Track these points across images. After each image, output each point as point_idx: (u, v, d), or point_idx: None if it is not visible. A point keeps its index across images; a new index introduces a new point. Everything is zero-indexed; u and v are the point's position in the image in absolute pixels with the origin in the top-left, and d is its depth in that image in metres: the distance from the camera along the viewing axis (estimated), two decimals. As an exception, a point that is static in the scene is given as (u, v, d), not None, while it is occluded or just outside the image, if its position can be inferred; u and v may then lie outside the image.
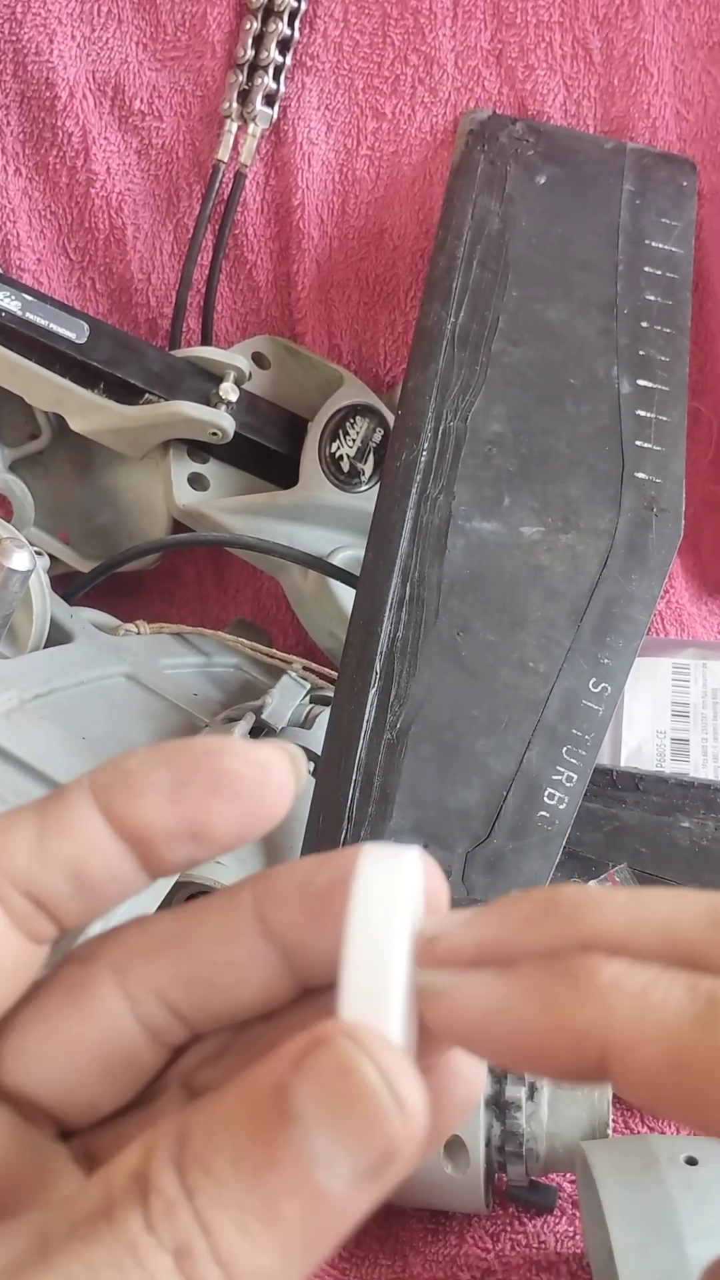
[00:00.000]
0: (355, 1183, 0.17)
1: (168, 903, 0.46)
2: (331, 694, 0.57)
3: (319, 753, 0.49)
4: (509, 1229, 0.46)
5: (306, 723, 0.56)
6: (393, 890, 0.19)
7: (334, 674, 0.59)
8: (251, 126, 0.66)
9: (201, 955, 0.21)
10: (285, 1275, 0.17)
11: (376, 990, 0.19)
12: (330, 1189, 0.17)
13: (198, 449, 0.67)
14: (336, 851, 0.21)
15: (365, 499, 0.65)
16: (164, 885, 0.46)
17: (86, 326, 0.63)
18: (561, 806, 0.47)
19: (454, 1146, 0.43)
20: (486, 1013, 0.19)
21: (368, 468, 0.67)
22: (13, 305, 0.61)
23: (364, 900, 0.19)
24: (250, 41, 0.65)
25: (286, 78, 0.66)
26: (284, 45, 0.65)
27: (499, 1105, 0.43)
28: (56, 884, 0.20)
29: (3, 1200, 0.20)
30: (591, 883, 0.53)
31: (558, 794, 0.47)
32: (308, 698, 0.58)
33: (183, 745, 0.21)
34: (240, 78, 0.66)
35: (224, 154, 0.67)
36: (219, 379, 0.64)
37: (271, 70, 0.65)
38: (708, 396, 0.71)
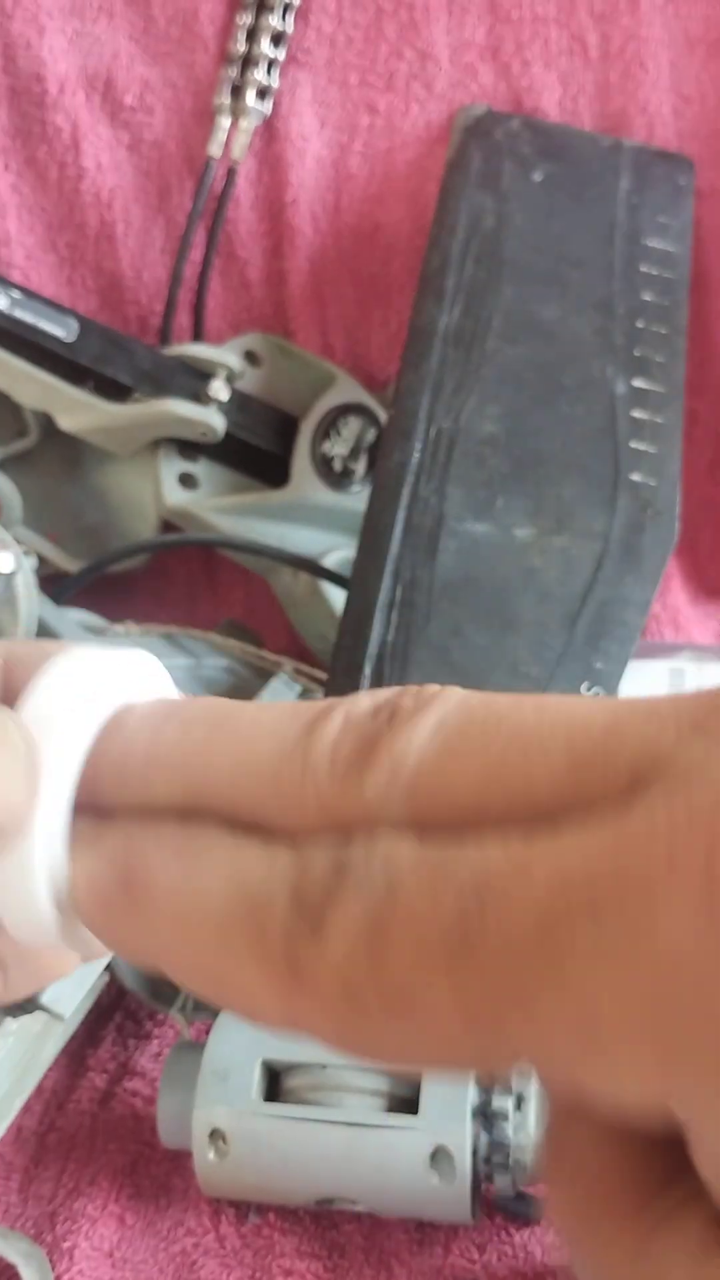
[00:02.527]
0: None
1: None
2: (321, 695, 0.56)
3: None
4: (495, 1239, 0.45)
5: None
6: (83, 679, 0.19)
7: (325, 675, 0.58)
8: (244, 121, 0.66)
9: None
10: None
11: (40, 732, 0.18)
12: None
13: (188, 448, 0.66)
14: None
15: (357, 499, 0.65)
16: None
17: (75, 324, 0.62)
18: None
19: (440, 1157, 0.42)
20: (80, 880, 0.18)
21: (360, 468, 0.66)
22: (0, 302, 0.61)
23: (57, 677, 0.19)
24: (243, 35, 0.64)
25: (279, 73, 0.66)
26: (277, 39, 0.65)
27: (486, 1115, 0.43)
28: None
29: None
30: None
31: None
32: (298, 700, 0.57)
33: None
34: (233, 72, 0.65)
35: (216, 149, 0.66)
36: (210, 377, 0.64)
37: (264, 65, 0.65)
38: (705, 397, 0.70)
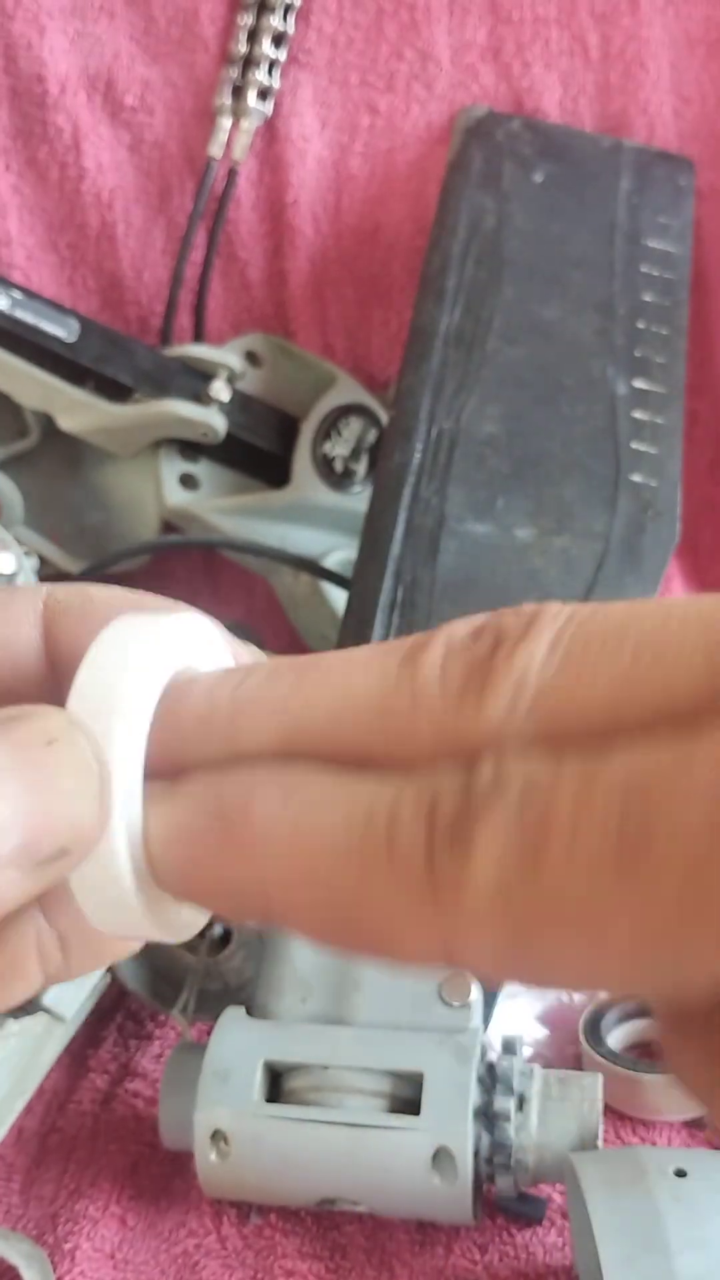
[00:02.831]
0: (20, 861, 0.16)
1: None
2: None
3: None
4: (497, 1240, 0.45)
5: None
6: (145, 642, 0.18)
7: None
8: (245, 122, 0.66)
9: None
10: None
11: (102, 708, 0.17)
12: None
13: (189, 448, 0.66)
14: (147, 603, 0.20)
15: (358, 500, 0.65)
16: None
17: (76, 324, 0.62)
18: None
19: (441, 1157, 0.42)
20: (157, 837, 0.17)
21: (360, 468, 0.66)
22: (1, 303, 0.61)
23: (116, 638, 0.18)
24: (244, 36, 0.64)
25: (280, 73, 0.66)
26: (278, 40, 0.65)
27: (488, 1116, 0.43)
28: None
29: None
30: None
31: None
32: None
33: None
34: (234, 73, 0.65)
35: (217, 150, 0.66)
36: (210, 377, 0.64)
37: (265, 65, 0.65)
38: (706, 397, 0.70)
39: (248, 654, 0.20)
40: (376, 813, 0.15)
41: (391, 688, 0.16)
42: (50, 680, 0.20)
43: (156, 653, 0.18)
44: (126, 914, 0.18)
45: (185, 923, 0.19)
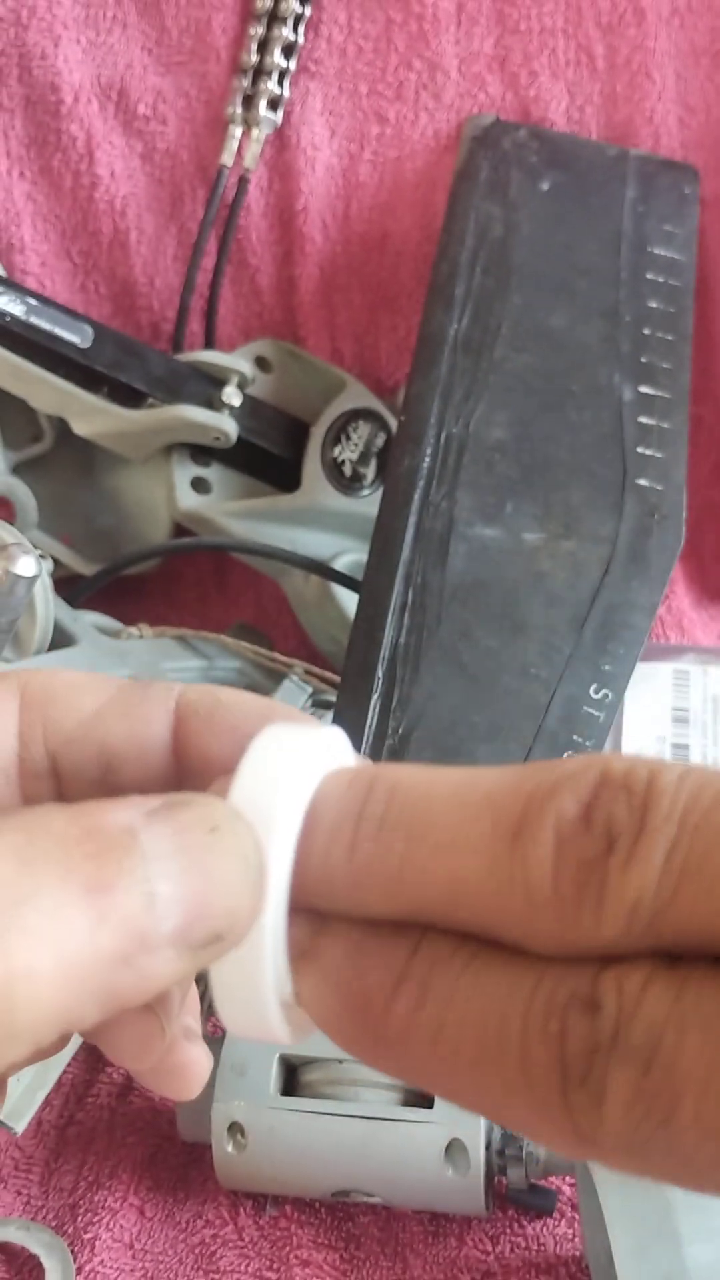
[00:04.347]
0: (178, 941, 0.16)
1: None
2: (333, 697, 0.57)
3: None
4: (508, 1231, 0.46)
5: (308, 727, 0.56)
6: (298, 751, 0.19)
7: (335, 678, 0.59)
8: (255, 131, 0.66)
9: (114, 725, 0.21)
10: (69, 1009, 0.16)
11: (264, 804, 0.18)
12: (154, 937, 0.16)
13: (200, 452, 0.67)
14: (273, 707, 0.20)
15: (368, 504, 0.66)
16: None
17: (90, 330, 0.63)
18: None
19: (454, 1149, 0.43)
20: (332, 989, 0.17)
21: (369, 472, 0.67)
22: (17, 309, 0.61)
23: (271, 743, 0.19)
24: (255, 46, 0.65)
25: (291, 83, 0.66)
26: (288, 50, 0.66)
27: (499, 1109, 0.44)
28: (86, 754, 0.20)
29: None
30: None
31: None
32: (310, 701, 0.58)
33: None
34: (245, 82, 0.66)
35: (228, 158, 0.67)
36: (222, 383, 0.65)
37: (276, 75, 0.65)
38: (710, 402, 0.71)
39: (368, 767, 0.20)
40: (509, 1034, 0.15)
41: (504, 879, 0.16)
42: (176, 780, 0.20)
43: (309, 763, 0.19)
44: (259, 1020, 0.18)
45: (311, 1029, 0.19)
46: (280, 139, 0.68)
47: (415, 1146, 0.43)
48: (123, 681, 0.21)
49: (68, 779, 0.21)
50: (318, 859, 0.18)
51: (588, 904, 0.15)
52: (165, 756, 0.21)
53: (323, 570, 0.62)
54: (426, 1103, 0.44)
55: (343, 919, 0.18)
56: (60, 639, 0.57)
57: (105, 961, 0.16)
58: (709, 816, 0.15)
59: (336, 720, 0.49)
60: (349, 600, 0.63)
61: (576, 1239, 0.45)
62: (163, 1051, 0.20)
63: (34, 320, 0.62)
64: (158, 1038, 0.20)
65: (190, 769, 0.20)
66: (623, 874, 0.15)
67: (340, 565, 0.64)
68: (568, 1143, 0.15)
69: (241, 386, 0.65)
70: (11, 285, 0.63)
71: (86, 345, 0.63)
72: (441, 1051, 0.16)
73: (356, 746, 0.48)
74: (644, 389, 0.57)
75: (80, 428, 0.63)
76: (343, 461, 0.67)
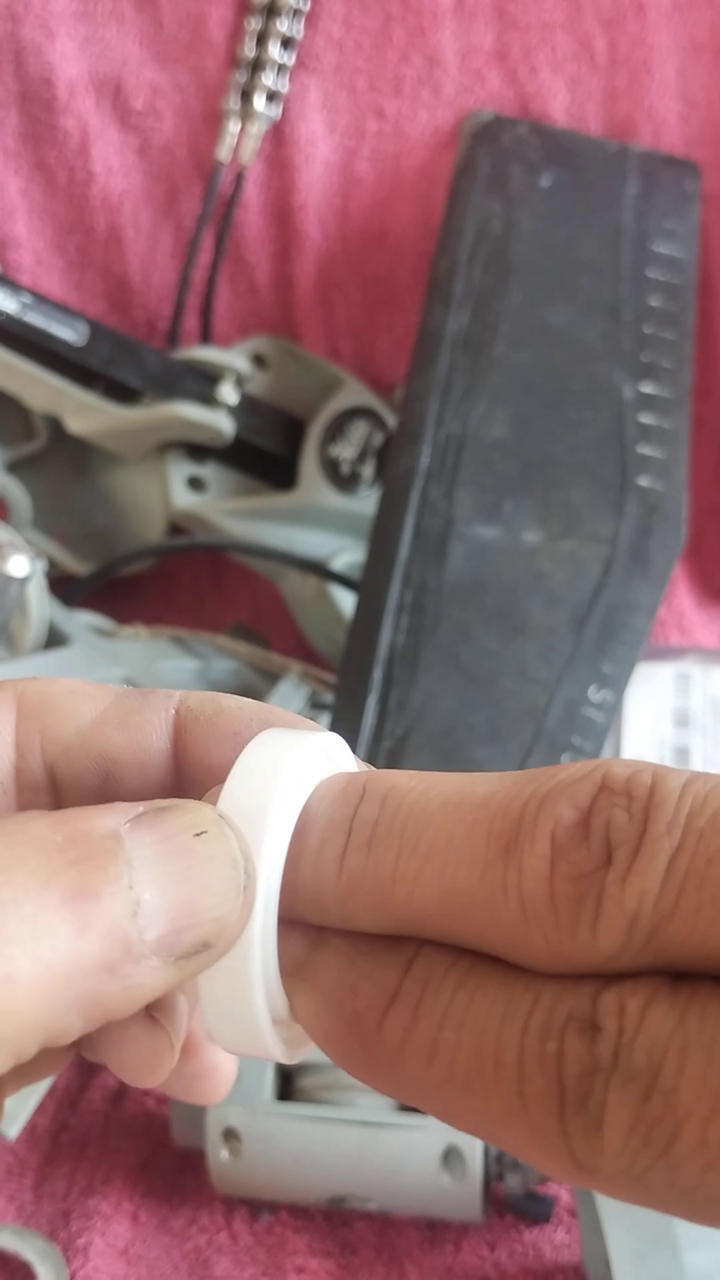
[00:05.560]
0: (163, 950, 0.16)
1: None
2: (330, 698, 0.57)
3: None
4: (506, 1238, 0.45)
5: (305, 728, 0.56)
6: (290, 756, 0.18)
7: (332, 678, 0.59)
8: (252, 126, 0.66)
9: (113, 734, 0.20)
10: (51, 1019, 0.15)
11: (253, 813, 0.17)
12: (139, 946, 0.16)
13: (196, 451, 0.66)
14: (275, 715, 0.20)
15: (365, 503, 0.65)
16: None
17: (85, 327, 0.62)
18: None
19: (451, 1155, 0.43)
20: (325, 998, 0.17)
21: (367, 471, 0.66)
22: (11, 306, 0.61)
23: (263, 747, 0.18)
24: (252, 41, 0.65)
25: (288, 77, 0.66)
26: (286, 44, 0.65)
27: (497, 1116, 0.43)
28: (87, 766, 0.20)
29: None
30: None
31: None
32: (306, 702, 0.58)
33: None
34: (242, 77, 0.65)
35: (224, 154, 0.66)
36: (218, 380, 0.64)
37: (273, 70, 0.65)
38: (712, 401, 0.70)
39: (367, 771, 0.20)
40: (505, 1056, 0.15)
41: (498, 891, 0.15)
42: (177, 789, 0.20)
43: (303, 769, 0.18)
44: (250, 1035, 0.18)
45: (309, 1046, 0.19)
46: (277, 134, 0.67)
47: (412, 1152, 0.43)
48: (122, 689, 0.21)
49: (66, 789, 0.21)
50: (308, 868, 0.17)
51: (584, 916, 0.15)
52: (166, 765, 0.20)
53: (320, 570, 0.62)
54: (424, 1109, 0.43)
55: (338, 932, 0.17)
56: (55, 639, 0.56)
57: (88, 970, 0.15)
58: (714, 825, 0.15)
59: (333, 721, 0.48)
60: (346, 600, 0.63)
61: (574, 1246, 0.45)
62: (173, 1067, 0.20)
63: (28, 317, 0.61)
64: (166, 1054, 0.20)
65: (191, 777, 0.20)
66: (621, 885, 0.15)
67: (337, 565, 0.63)
68: (565, 1169, 0.15)
69: (238, 384, 0.65)
70: (5, 282, 0.62)
71: (81, 342, 0.62)
72: (436, 1073, 0.16)
73: (353, 748, 0.47)
74: (645, 387, 0.56)
75: (75, 426, 0.63)
76: (339, 460, 0.66)
